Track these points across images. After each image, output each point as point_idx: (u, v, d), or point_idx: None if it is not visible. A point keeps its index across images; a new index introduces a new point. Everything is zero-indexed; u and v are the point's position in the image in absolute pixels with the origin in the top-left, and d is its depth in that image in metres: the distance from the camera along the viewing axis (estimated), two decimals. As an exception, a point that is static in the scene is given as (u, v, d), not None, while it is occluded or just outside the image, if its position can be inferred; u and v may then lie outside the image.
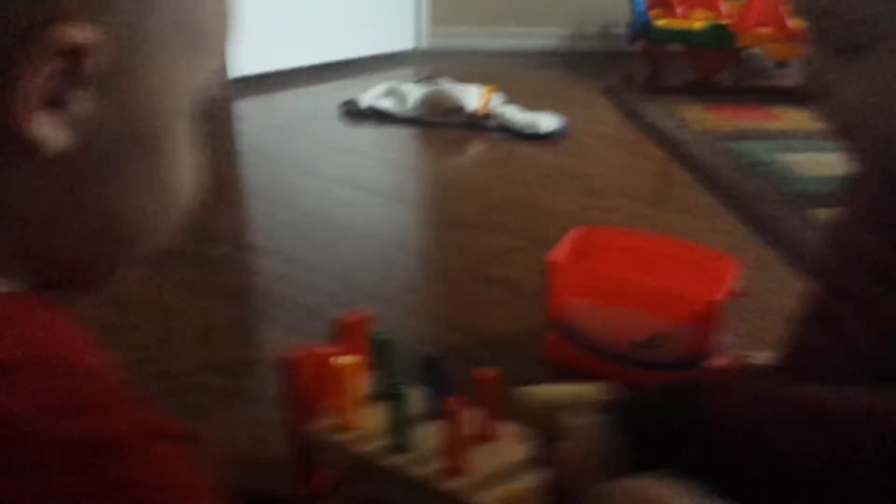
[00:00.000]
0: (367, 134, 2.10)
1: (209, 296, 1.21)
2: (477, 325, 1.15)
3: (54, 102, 0.30)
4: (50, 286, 0.34)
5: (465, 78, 2.41)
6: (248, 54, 2.44)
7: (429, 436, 0.72)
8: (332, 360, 0.74)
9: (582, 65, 2.84)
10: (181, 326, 1.13)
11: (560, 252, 1.10)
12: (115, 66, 0.31)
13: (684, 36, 2.50)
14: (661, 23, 2.54)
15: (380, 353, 0.77)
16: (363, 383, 0.77)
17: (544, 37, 3.02)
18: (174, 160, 0.36)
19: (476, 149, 2.00)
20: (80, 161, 0.32)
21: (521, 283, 1.23)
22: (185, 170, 0.37)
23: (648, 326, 1.02)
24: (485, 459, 0.71)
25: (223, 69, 0.37)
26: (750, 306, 1.06)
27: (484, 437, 0.73)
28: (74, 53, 0.29)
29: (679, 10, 2.57)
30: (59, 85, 0.30)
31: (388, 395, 0.72)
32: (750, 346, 0.99)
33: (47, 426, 0.27)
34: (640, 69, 2.68)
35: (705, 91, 2.38)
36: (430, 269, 1.37)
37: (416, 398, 0.74)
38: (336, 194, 1.66)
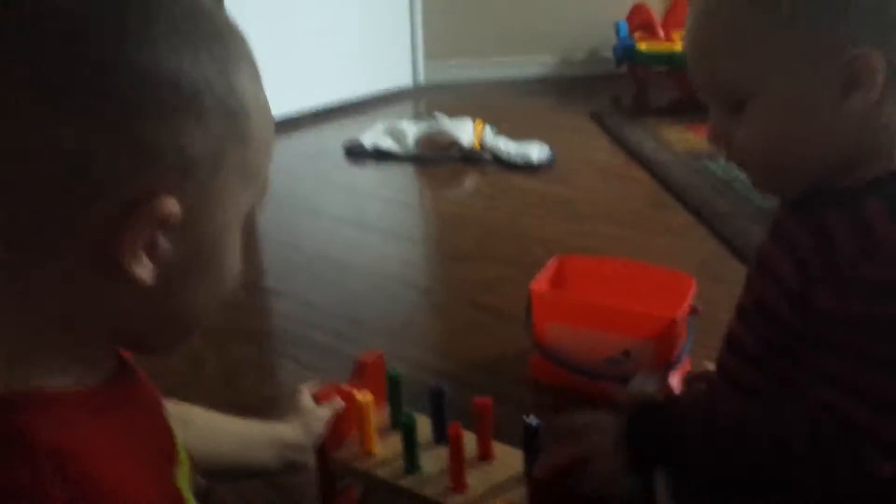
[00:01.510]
0: (370, 172, 2.24)
1: (230, 339, 1.35)
2: (470, 352, 1.28)
3: (149, 247, 0.41)
4: (128, 349, 0.47)
5: (461, 110, 2.56)
6: (255, 103, 2.59)
7: (435, 459, 0.85)
8: (353, 395, 0.88)
9: (572, 90, 2.97)
10: (207, 370, 1.26)
11: (541, 280, 1.24)
12: (192, 215, 0.42)
13: (667, 58, 2.62)
14: (643, 46, 2.67)
15: (392, 388, 0.90)
16: (379, 415, 0.91)
17: (535, 64, 3.16)
18: (230, 262, 0.47)
19: (471, 182, 2.14)
20: (160, 281, 0.43)
21: (509, 310, 1.35)
22: (235, 265, 0.48)
23: (619, 343, 1.14)
24: (483, 477, 0.84)
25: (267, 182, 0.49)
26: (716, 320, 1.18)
27: (483, 457, 0.86)
28: (168, 216, 0.41)
29: (661, 32, 2.70)
30: (154, 235, 0.41)
31: (399, 425, 0.86)
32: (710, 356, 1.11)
33: None
34: (628, 91, 2.80)
35: (689, 110, 2.50)
36: (428, 301, 1.50)
37: (423, 426, 0.87)
38: (341, 233, 1.80)
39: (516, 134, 2.33)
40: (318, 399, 0.87)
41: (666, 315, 1.11)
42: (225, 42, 0.43)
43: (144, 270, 0.41)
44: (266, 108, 0.46)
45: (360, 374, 0.92)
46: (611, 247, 1.63)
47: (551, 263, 1.28)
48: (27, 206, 0.39)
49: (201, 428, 0.76)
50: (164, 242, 0.42)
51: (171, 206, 0.40)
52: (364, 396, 0.87)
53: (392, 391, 0.91)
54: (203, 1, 0.43)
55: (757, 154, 0.67)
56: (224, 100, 0.42)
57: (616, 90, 2.79)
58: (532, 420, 0.82)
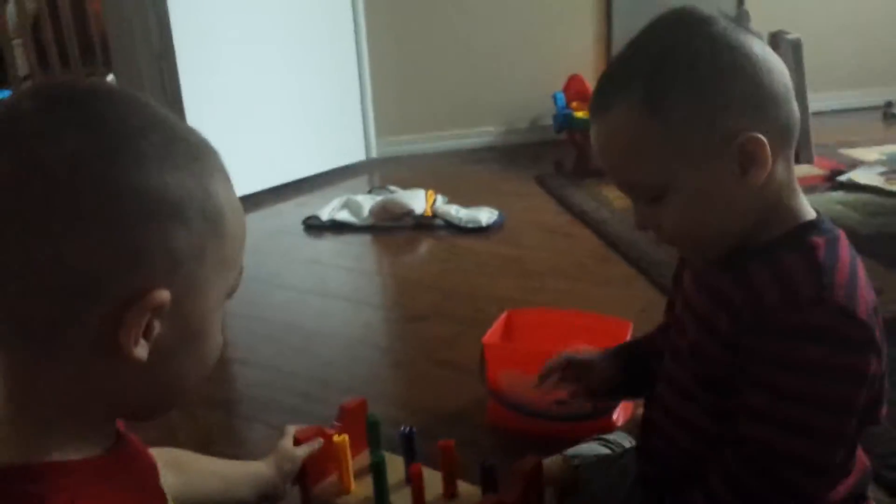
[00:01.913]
0: (329, 244, 2.35)
1: (204, 408, 1.42)
2: (431, 404, 1.37)
3: (145, 331, 0.49)
4: (123, 418, 0.56)
5: (413, 180, 2.69)
6: (215, 184, 2.70)
7: (406, 497, 0.94)
8: (332, 437, 0.97)
9: (517, 157, 3.13)
10: (183, 437, 1.33)
11: (492, 333, 1.34)
12: (181, 302, 0.50)
13: (602, 122, 2.79)
14: (580, 114, 2.85)
15: (371, 432, 1.00)
16: (360, 457, 1.00)
17: (481, 135, 3.33)
18: (212, 339, 0.55)
19: (425, 247, 2.25)
20: (155, 357, 0.50)
21: (465, 364, 1.45)
22: (218, 340, 0.56)
23: (565, 386, 1.25)
24: None
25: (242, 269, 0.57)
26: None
27: (448, 495, 0.95)
28: (161, 305, 0.49)
29: (596, 99, 2.88)
30: (150, 321, 0.49)
31: (372, 465, 0.95)
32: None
33: None
34: (569, 155, 2.97)
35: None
36: (390, 359, 1.59)
37: (395, 466, 0.96)
38: (305, 303, 1.89)
39: (466, 200, 2.46)
40: (298, 440, 0.96)
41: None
42: (200, 158, 0.52)
43: (142, 351, 0.49)
44: (238, 209, 0.55)
45: (343, 418, 1.01)
46: (559, 299, 1.74)
47: (502, 318, 1.39)
48: (43, 310, 0.48)
49: (192, 470, 0.85)
50: (157, 326, 0.50)
51: (164, 296, 0.49)
52: (341, 438, 0.96)
53: (371, 435, 1.00)
54: (178, 126, 0.53)
55: (679, 234, 0.78)
56: (203, 206, 0.51)
57: (558, 155, 2.95)
58: (487, 462, 0.91)
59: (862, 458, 0.84)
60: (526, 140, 3.30)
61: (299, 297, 1.93)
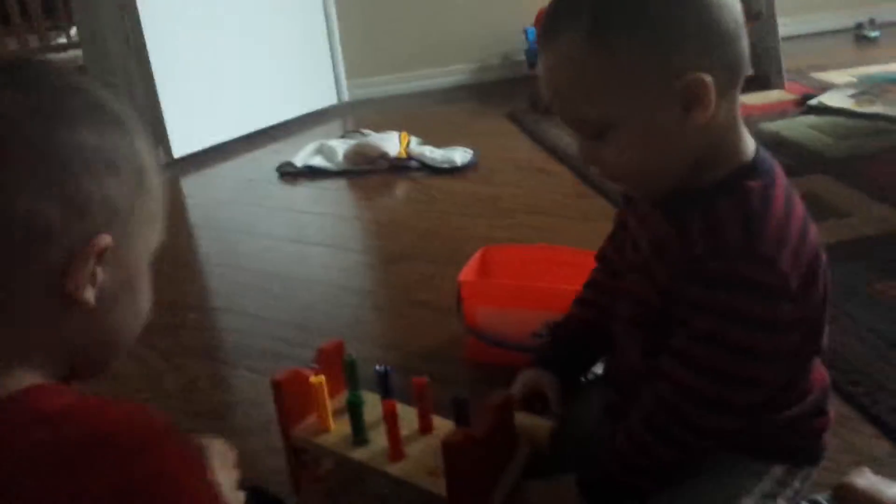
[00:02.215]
0: (304, 191, 2.34)
1: (184, 356, 1.43)
2: (411, 343, 1.40)
3: (91, 277, 0.54)
4: (65, 378, 0.59)
5: (386, 123, 2.68)
6: (186, 134, 2.68)
7: (383, 433, 0.95)
8: (310, 379, 0.98)
9: (490, 94, 3.11)
10: (166, 385, 1.35)
11: (468, 271, 1.36)
12: (118, 249, 0.56)
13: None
14: (552, 48, 2.82)
15: (349, 372, 1.01)
16: (338, 398, 1.01)
17: (453, 73, 3.30)
18: (145, 292, 0.61)
19: (401, 190, 2.26)
20: (99, 303, 0.56)
21: (443, 303, 1.47)
22: (149, 296, 0.62)
23: (541, 318, 1.27)
24: (423, 447, 0.94)
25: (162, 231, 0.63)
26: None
27: (423, 430, 0.98)
28: (104, 249, 0.54)
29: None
30: (94, 267, 0.54)
31: (348, 404, 0.97)
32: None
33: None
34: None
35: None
36: (369, 302, 1.61)
37: (374, 404, 0.98)
38: (282, 250, 1.90)
39: (440, 141, 2.45)
40: (278, 382, 0.98)
41: (579, 289, 1.24)
42: (124, 120, 0.58)
43: (90, 295, 0.55)
44: (157, 170, 0.61)
45: (321, 360, 1.03)
46: (535, 236, 1.76)
47: (477, 255, 1.40)
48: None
49: None
50: (100, 272, 0.55)
51: (107, 240, 0.54)
52: (318, 379, 0.98)
53: (349, 375, 1.02)
54: (104, 93, 0.58)
55: (623, 172, 0.79)
56: (131, 161, 0.57)
57: (531, 91, 2.94)
58: (460, 396, 0.93)
59: (820, 373, 0.86)
60: (499, 77, 3.28)
61: (276, 244, 1.94)
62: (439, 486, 0.87)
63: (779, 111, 2.40)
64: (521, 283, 1.32)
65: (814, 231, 0.78)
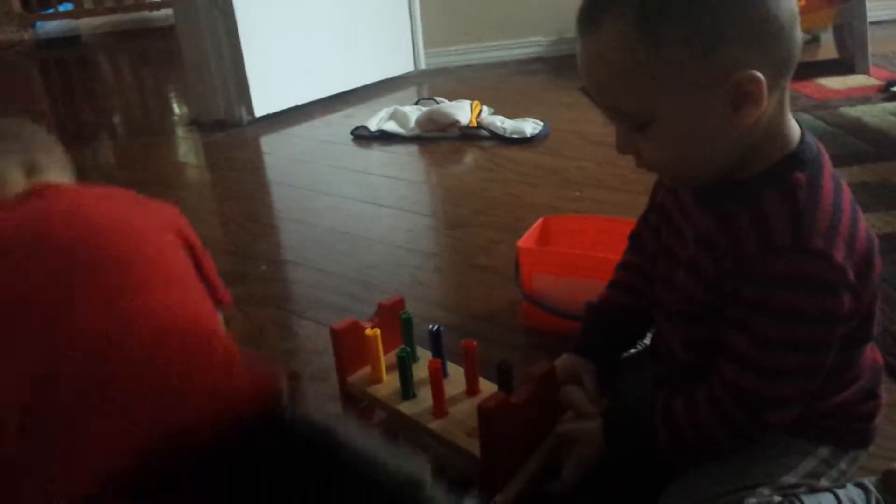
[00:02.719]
0: (376, 154, 2.40)
1: (257, 305, 1.51)
2: (468, 305, 1.44)
3: None
4: None
5: (460, 92, 2.71)
6: (268, 95, 2.76)
7: (429, 390, 0.99)
8: (366, 331, 1.04)
9: (565, 67, 3.10)
10: (235, 331, 1.43)
11: (527, 238, 1.39)
12: None
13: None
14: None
15: (404, 328, 1.06)
16: (392, 351, 1.06)
17: (530, 45, 3.30)
18: None
19: (469, 157, 2.29)
20: None
21: (502, 269, 1.51)
22: None
23: (597, 288, 1.29)
24: (468, 408, 0.97)
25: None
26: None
27: (470, 392, 1.01)
28: None
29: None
30: None
31: (398, 358, 1.01)
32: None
33: None
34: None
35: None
36: (431, 264, 1.66)
37: (426, 361, 1.01)
38: (352, 210, 1.96)
39: (512, 112, 2.47)
40: (336, 331, 1.03)
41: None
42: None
43: None
44: None
45: (379, 314, 1.08)
46: (599, 209, 1.77)
47: (538, 223, 1.43)
48: None
49: None
50: None
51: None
52: (373, 332, 1.03)
53: (405, 331, 1.06)
54: None
55: (661, 165, 0.76)
56: None
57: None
58: (506, 360, 0.96)
59: (872, 357, 0.85)
60: (574, 51, 3.25)
61: (347, 203, 2.00)
62: (475, 447, 0.90)
63: (861, 96, 2.34)
64: (578, 252, 1.34)
65: (862, 216, 0.76)
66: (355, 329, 1.05)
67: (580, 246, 1.39)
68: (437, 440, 0.96)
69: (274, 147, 2.58)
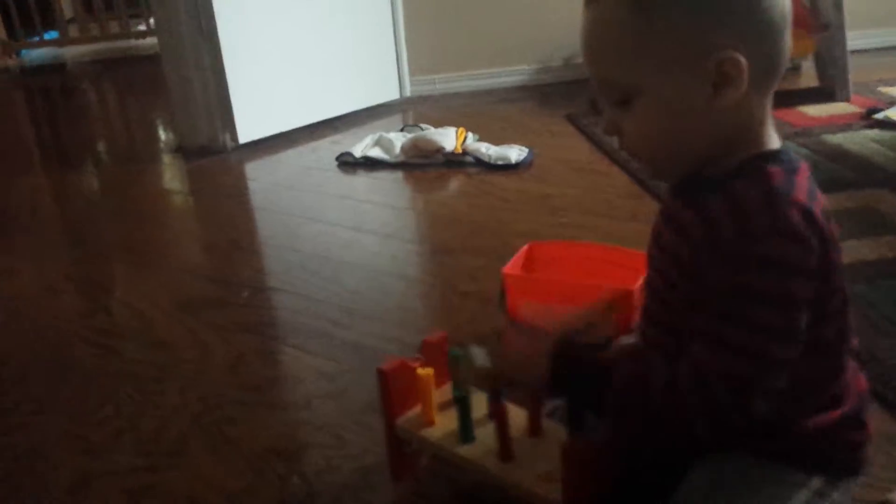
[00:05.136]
0: (361, 180, 2.39)
1: (237, 332, 1.49)
2: (452, 332, 1.40)
3: None
4: None
5: (446, 119, 2.71)
6: (253, 121, 2.76)
7: (487, 431, 0.93)
8: (417, 370, 0.98)
9: (550, 95, 3.12)
10: (216, 359, 1.40)
11: (513, 265, 1.38)
12: None
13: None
14: (615, 51, 2.81)
15: (453, 366, 0.98)
16: (441, 391, 1.00)
17: (515, 73, 3.31)
18: None
19: (455, 184, 2.28)
20: None
21: (488, 294, 1.49)
22: None
23: (583, 317, 1.28)
24: (530, 448, 0.91)
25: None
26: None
27: (533, 433, 0.94)
28: None
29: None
30: None
31: (456, 399, 0.96)
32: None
33: None
34: (604, 93, 2.95)
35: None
36: (416, 290, 1.64)
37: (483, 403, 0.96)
38: (337, 236, 1.95)
39: (497, 139, 2.47)
40: (384, 372, 0.97)
41: (624, 288, 1.25)
42: None
43: None
44: None
45: (425, 351, 1.02)
46: (584, 235, 1.76)
47: (523, 249, 1.42)
48: None
49: None
50: None
51: None
52: (426, 372, 0.97)
53: (455, 369, 0.97)
54: None
55: (642, 144, 0.77)
56: None
57: (591, 94, 2.93)
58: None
59: (858, 382, 0.85)
60: (560, 79, 3.28)
61: (331, 230, 1.99)
62: (552, 492, 0.85)
63: (843, 124, 2.35)
64: (564, 279, 1.33)
65: (833, 223, 0.76)
66: (404, 369, 0.99)
67: (566, 272, 1.38)
68: (503, 486, 0.91)
69: (258, 173, 2.57)
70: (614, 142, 0.79)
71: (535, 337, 0.89)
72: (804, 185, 0.75)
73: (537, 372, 0.84)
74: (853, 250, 1.51)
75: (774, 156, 0.77)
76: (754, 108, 0.75)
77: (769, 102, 0.77)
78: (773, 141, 0.78)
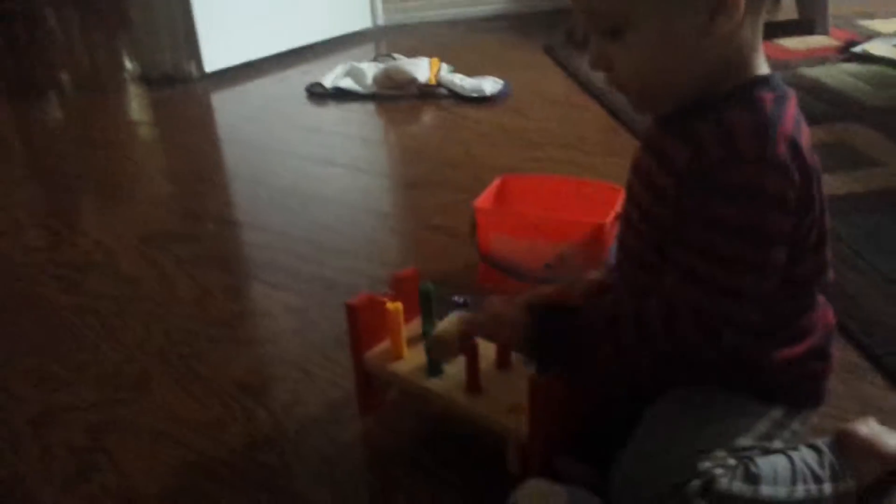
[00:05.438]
0: (332, 112, 2.33)
1: (204, 266, 1.46)
2: (423, 266, 1.38)
3: None
4: None
5: (420, 49, 2.64)
6: (219, 50, 2.66)
7: (456, 364, 0.93)
8: (386, 305, 0.96)
9: (527, 26, 3.05)
10: (181, 293, 1.38)
11: (484, 198, 1.35)
12: None
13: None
14: (593, -20, 2.74)
15: (423, 301, 0.98)
16: (411, 326, 0.99)
17: (491, 2, 3.23)
18: None
19: (427, 116, 2.24)
20: None
21: (459, 229, 1.47)
22: None
23: (554, 250, 1.27)
24: (499, 383, 0.92)
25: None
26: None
27: (501, 365, 0.95)
28: None
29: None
30: None
31: (425, 334, 0.95)
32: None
33: None
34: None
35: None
36: (386, 224, 1.62)
37: None
38: (306, 169, 1.90)
39: (472, 70, 2.42)
40: (352, 306, 0.96)
41: (595, 221, 1.24)
42: None
43: None
44: None
45: (395, 286, 1.00)
46: (559, 169, 1.74)
47: (495, 183, 1.39)
48: None
49: None
50: None
51: None
52: (395, 306, 0.96)
53: (424, 304, 0.98)
54: None
55: (633, 78, 0.75)
56: None
57: (568, 24, 2.87)
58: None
59: (826, 315, 0.85)
60: (538, 8, 3.20)
61: (300, 163, 1.94)
62: (520, 424, 0.85)
63: (820, 57, 2.33)
64: (536, 213, 1.31)
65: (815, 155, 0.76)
66: (373, 304, 0.98)
67: (538, 206, 1.36)
68: (470, 418, 0.91)
69: (225, 104, 2.50)
70: (597, 76, 0.76)
71: (508, 304, 0.87)
72: (792, 115, 0.74)
73: (509, 338, 0.85)
74: (825, 184, 1.47)
75: (765, 81, 0.75)
76: (747, 34, 0.74)
77: (760, 28, 0.75)
78: (764, 66, 0.77)
